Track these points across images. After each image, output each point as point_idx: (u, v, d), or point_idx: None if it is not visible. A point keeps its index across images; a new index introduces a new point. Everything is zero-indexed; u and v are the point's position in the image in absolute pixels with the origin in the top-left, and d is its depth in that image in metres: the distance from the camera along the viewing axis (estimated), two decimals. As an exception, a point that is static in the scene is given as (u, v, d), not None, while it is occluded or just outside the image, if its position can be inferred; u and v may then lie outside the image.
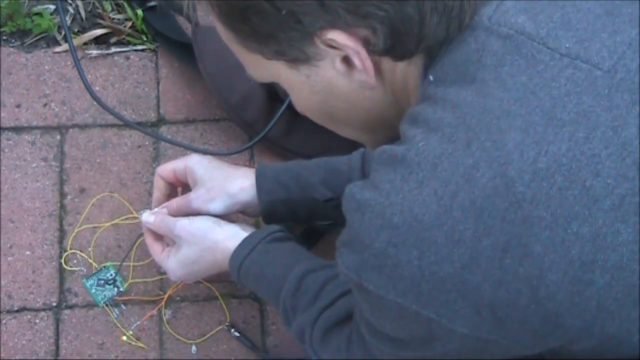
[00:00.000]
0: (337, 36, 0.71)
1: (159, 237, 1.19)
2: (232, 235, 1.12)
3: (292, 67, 0.77)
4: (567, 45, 0.70)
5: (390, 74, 0.77)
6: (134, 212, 1.31)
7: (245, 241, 1.10)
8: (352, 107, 0.81)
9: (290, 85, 0.81)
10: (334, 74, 0.76)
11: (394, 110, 0.81)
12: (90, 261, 1.28)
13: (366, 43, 0.72)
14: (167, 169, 1.20)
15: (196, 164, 1.18)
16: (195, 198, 1.16)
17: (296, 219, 1.22)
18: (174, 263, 1.15)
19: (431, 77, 0.74)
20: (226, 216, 1.17)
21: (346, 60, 0.74)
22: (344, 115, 0.83)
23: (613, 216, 0.66)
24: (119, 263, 1.27)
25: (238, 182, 1.17)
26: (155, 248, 1.18)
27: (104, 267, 1.28)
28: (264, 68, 0.79)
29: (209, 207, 1.16)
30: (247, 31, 0.74)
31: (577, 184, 0.66)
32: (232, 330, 1.25)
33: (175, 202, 1.18)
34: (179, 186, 1.22)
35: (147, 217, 1.18)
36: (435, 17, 0.71)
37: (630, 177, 0.66)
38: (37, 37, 1.43)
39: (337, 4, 0.69)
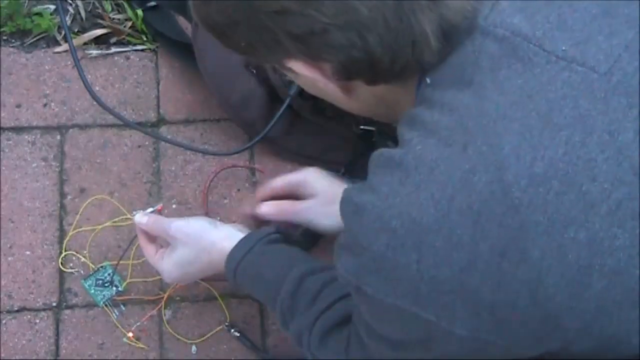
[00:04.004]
0: (295, 65, 0.75)
1: (152, 238, 1.17)
2: (228, 236, 1.10)
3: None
4: (564, 48, 0.70)
5: (369, 90, 0.79)
6: (127, 213, 1.31)
7: (242, 242, 1.09)
8: (341, 100, 0.84)
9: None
10: (314, 78, 0.78)
11: (384, 106, 0.83)
12: (88, 262, 1.28)
13: (325, 73, 0.75)
14: (282, 182, 1.19)
15: (316, 175, 1.17)
16: (313, 208, 1.15)
17: None
18: (169, 264, 1.13)
19: (428, 80, 0.74)
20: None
21: None
22: (336, 102, 0.87)
23: (610, 221, 0.66)
24: (116, 262, 1.27)
25: None
26: (148, 250, 1.16)
27: (102, 267, 1.28)
28: None
29: (324, 223, 1.14)
30: (226, 44, 0.79)
31: (573, 188, 0.66)
32: (232, 330, 1.25)
33: (284, 204, 1.16)
34: (279, 198, 1.19)
35: (140, 217, 1.16)
36: (387, 56, 0.72)
37: (627, 182, 0.66)
38: (37, 37, 1.43)
39: (291, 44, 0.72)
